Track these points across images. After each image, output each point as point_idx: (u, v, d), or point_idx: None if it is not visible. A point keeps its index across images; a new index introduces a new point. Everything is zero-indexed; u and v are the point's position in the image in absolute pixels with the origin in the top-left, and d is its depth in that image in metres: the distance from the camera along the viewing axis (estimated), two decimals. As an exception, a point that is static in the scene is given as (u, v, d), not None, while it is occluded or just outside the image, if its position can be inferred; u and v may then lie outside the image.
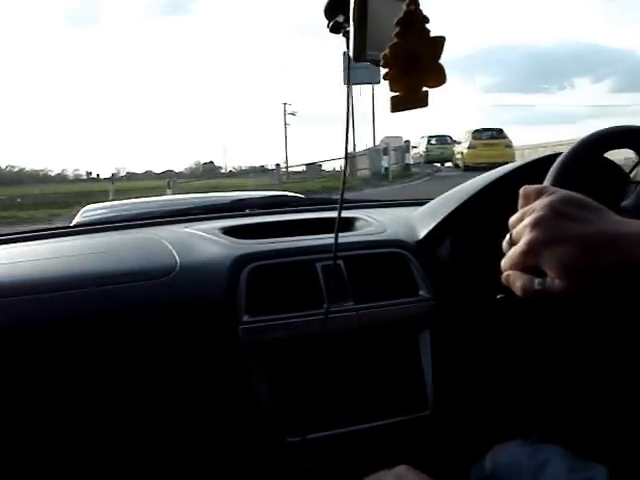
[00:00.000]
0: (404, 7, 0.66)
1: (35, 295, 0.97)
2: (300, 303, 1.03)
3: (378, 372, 1.07)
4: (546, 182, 0.86)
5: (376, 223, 1.24)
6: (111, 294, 1.00)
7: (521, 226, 0.48)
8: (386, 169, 16.62)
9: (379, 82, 0.83)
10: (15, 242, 1.24)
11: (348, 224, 1.26)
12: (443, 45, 0.67)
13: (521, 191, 0.52)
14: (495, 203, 1.11)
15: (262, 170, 26.67)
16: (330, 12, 0.75)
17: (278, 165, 18.43)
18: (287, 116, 32.75)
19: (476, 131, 18.84)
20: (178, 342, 0.99)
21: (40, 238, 1.26)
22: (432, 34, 0.67)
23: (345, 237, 1.13)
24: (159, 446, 0.99)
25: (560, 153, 0.92)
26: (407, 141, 20.25)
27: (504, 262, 0.50)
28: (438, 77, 0.68)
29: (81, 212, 1.94)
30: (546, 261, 0.46)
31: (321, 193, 11.33)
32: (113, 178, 15.67)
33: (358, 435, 1.03)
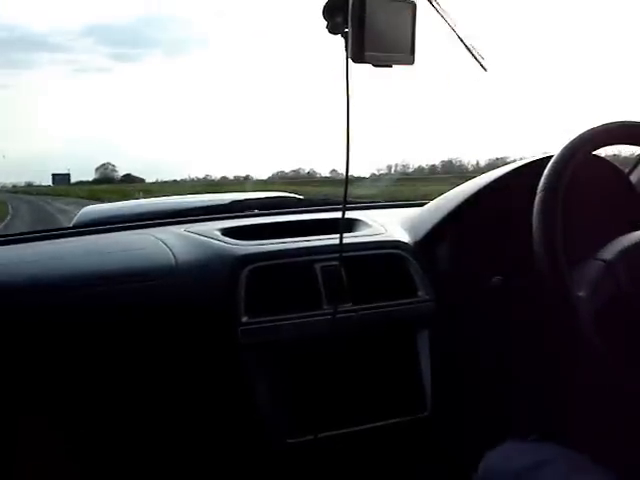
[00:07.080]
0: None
1: (34, 297, 0.97)
2: (299, 304, 1.03)
3: (377, 373, 1.07)
4: (541, 184, 0.86)
5: (375, 224, 1.24)
6: (109, 295, 1.00)
7: None
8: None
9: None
10: (15, 243, 1.24)
11: (347, 225, 1.26)
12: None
13: None
14: (493, 204, 1.12)
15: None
16: (329, 13, 0.75)
17: None
18: None
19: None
20: (177, 343, 0.99)
21: (39, 239, 1.26)
22: None
23: (345, 238, 1.13)
24: (158, 447, 0.99)
25: None
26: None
27: None
28: None
29: (80, 213, 1.93)
30: None
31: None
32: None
33: (357, 436, 1.03)
